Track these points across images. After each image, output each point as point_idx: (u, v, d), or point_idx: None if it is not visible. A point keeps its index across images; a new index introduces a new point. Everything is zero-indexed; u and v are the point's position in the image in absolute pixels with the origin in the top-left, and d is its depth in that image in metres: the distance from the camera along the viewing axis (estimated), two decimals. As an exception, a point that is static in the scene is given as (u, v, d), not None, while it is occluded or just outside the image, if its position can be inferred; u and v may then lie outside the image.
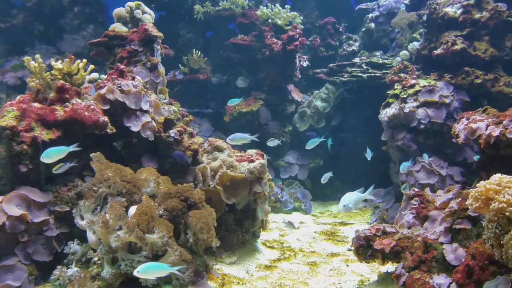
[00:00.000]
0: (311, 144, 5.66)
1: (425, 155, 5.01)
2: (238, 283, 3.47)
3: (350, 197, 3.39)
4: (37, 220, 3.11)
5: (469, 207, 2.50)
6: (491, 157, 3.63)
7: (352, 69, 6.86)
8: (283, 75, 6.91)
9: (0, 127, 3.15)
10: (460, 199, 3.14)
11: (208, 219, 3.29)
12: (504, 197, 2.23)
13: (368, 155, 5.45)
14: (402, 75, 5.67)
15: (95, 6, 7.60)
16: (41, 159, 3.07)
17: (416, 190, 3.75)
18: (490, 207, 2.29)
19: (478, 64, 5.24)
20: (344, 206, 3.35)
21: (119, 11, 4.84)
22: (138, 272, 2.71)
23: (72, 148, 3.18)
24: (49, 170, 3.25)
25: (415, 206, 3.54)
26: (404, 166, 5.03)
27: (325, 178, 5.43)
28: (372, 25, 7.56)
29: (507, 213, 2.19)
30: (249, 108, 6.71)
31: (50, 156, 3.07)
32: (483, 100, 5.14)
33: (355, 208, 3.42)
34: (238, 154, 4.42)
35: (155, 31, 4.59)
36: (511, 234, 2.19)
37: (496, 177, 2.40)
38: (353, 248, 3.48)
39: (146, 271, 2.74)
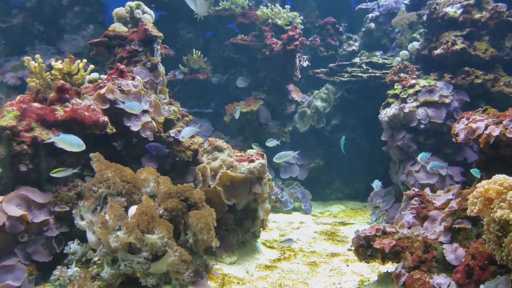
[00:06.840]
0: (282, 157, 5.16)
1: (423, 154, 4.80)
2: (238, 283, 3.47)
3: None
4: (37, 220, 3.10)
5: (469, 213, 2.48)
6: (491, 157, 3.63)
7: (352, 69, 6.86)
8: (283, 75, 6.91)
9: (0, 127, 3.14)
10: (460, 199, 3.14)
11: (208, 219, 3.29)
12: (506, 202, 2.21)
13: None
14: (402, 75, 5.67)
15: (95, 6, 7.59)
16: None
17: (416, 190, 3.76)
18: (492, 214, 2.27)
19: (478, 64, 5.24)
20: None
21: (119, 11, 4.83)
22: None
23: None
24: (49, 170, 3.25)
25: (415, 206, 3.54)
26: (424, 156, 4.73)
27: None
28: (372, 25, 7.56)
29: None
30: (249, 108, 6.70)
31: None
32: (483, 100, 5.14)
33: None
34: (238, 154, 4.41)
35: (155, 31, 4.59)
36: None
37: (499, 177, 2.38)
38: (353, 248, 3.48)
39: None
